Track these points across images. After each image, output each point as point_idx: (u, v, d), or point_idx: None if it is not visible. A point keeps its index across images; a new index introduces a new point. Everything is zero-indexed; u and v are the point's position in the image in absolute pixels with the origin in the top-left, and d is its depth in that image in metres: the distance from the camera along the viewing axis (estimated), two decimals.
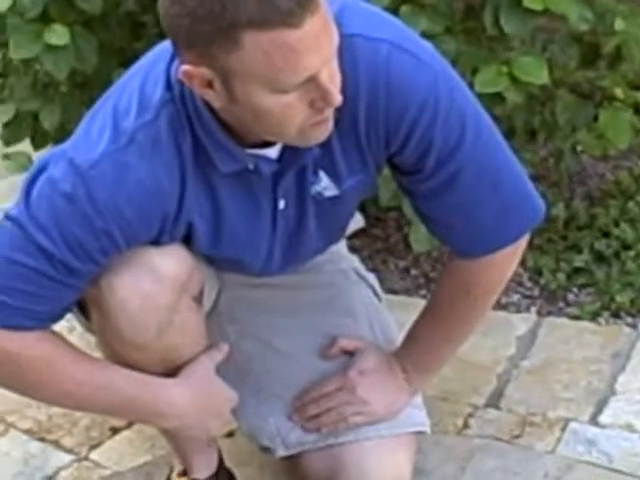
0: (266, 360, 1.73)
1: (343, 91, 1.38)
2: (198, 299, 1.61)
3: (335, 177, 1.54)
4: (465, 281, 1.67)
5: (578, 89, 2.42)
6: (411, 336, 1.75)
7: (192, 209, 1.50)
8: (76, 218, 1.40)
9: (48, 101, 2.29)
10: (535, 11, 1.98)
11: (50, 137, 2.32)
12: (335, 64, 1.37)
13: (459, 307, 1.70)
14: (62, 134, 2.15)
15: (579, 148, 2.53)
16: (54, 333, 1.52)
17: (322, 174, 1.53)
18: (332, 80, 1.34)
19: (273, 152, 1.47)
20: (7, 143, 2.44)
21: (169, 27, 1.34)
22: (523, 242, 1.62)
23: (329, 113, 1.38)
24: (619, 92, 2.34)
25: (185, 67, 1.32)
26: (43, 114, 2.26)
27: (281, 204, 1.54)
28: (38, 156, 2.08)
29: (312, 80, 1.30)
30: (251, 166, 1.46)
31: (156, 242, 1.52)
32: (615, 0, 2.26)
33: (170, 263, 1.51)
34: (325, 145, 1.47)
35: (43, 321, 1.49)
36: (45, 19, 2.09)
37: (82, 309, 1.56)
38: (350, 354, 1.74)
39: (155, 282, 1.48)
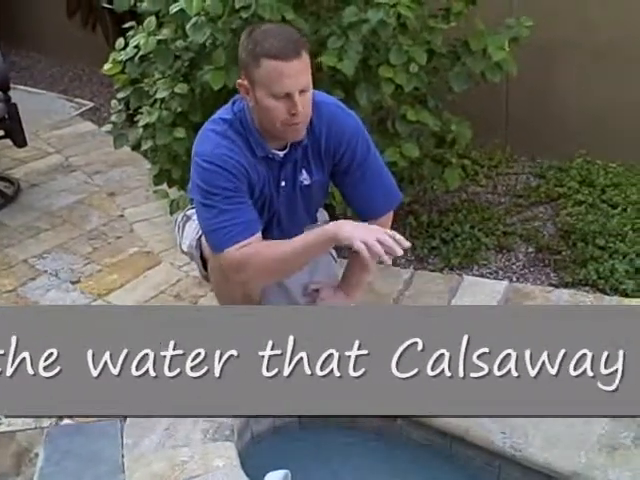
0: (280, 293, 2.19)
1: (313, 128, 1.86)
2: None
3: (309, 173, 2.01)
4: None
5: (434, 159, 2.95)
6: (343, 277, 2.26)
7: (248, 169, 1.91)
8: (212, 173, 1.86)
9: (175, 164, 2.83)
10: (413, 121, 2.69)
11: (177, 183, 2.94)
12: (308, 98, 1.76)
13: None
14: (183, 182, 2.75)
15: (435, 187, 3.10)
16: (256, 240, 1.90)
17: (303, 171, 2.01)
18: (301, 103, 1.72)
19: (281, 152, 1.96)
20: (155, 184, 3.05)
21: (238, 57, 1.78)
22: (392, 213, 2.13)
23: (298, 121, 1.77)
24: (454, 160, 2.96)
25: (239, 80, 1.78)
26: (173, 171, 2.86)
27: (282, 183, 2.00)
28: (172, 192, 2.99)
29: (290, 97, 1.72)
30: (270, 155, 1.94)
31: (254, 203, 1.89)
32: (450, 113, 2.89)
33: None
34: (305, 154, 1.94)
35: (246, 231, 1.87)
36: (174, 125, 2.73)
37: (204, 266, 2.12)
38: (317, 290, 2.22)
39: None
